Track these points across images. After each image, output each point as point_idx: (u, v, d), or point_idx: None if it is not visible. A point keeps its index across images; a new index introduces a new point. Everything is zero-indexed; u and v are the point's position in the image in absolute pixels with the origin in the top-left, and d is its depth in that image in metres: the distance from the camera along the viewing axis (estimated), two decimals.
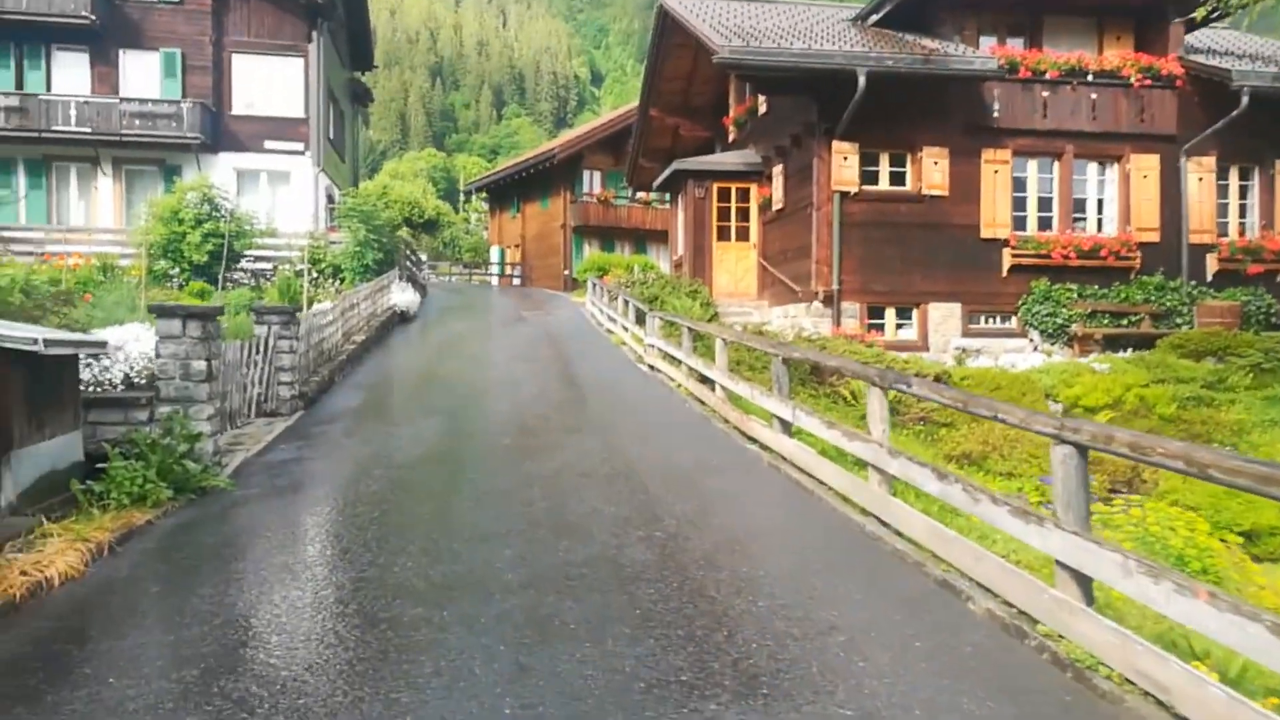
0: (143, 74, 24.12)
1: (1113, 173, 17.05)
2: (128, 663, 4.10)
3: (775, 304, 18.26)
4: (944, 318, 16.47)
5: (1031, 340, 16.57)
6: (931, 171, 16.19)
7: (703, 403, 11.61)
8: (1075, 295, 16.45)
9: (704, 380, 11.84)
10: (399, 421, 10.71)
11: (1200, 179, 16.82)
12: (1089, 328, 16.25)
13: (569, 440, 9.37)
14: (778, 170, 18.02)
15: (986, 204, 16.43)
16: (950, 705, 3.77)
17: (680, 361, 12.97)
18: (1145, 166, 16.75)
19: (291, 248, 21.40)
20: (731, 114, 21.37)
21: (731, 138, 21.48)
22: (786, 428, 8.62)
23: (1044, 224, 16.84)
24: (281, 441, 9.73)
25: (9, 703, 3.72)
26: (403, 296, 21.13)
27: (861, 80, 14.77)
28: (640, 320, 16.18)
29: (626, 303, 17.79)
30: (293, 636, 4.40)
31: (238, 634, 4.44)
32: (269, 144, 24.76)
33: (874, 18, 17.79)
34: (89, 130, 22.97)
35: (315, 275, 20.04)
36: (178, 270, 19.42)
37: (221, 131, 24.41)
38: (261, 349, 11.22)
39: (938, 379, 11.82)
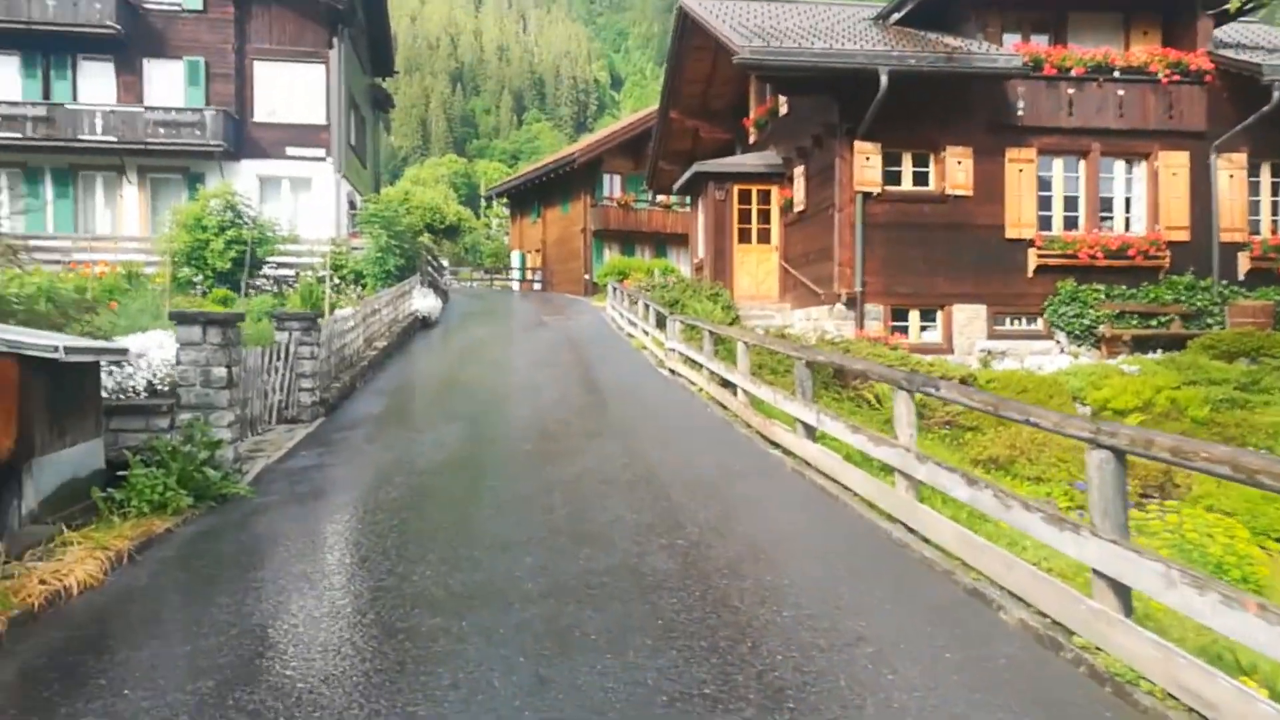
0: (167, 83, 24.33)
1: (1140, 171, 16.77)
2: (144, 674, 4.05)
3: (797, 307, 18.11)
4: (969, 320, 16.26)
5: (1058, 342, 16.33)
6: (955, 171, 16.00)
7: (724, 407, 11.50)
8: (1103, 296, 16.20)
9: (725, 384, 11.73)
10: (420, 427, 10.67)
11: (1231, 176, 16.51)
12: (1117, 329, 15.99)
13: (590, 446, 9.29)
14: (799, 171, 17.88)
15: (1011, 204, 16.21)
16: None
17: (701, 365, 12.86)
18: (1174, 164, 16.47)
19: (313, 254, 21.50)
20: (752, 115, 21.25)
21: (752, 139, 21.36)
22: (810, 432, 8.49)
23: (1070, 223, 16.60)
24: (302, 448, 9.71)
25: (24, 715, 3.67)
26: (424, 302, 21.15)
27: (884, 79, 14.62)
28: (661, 324, 16.08)
29: (647, 307, 17.71)
30: (309, 647, 4.34)
31: (255, 644, 4.39)
32: (291, 151, 24.91)
33: (895, 16, 17.61)
34: (114, 139, 23.19)
35: (337, 281, 20.10)
36: (201, 277, 19.54)
37: (244, 139, 24.58)
38: (282, 355, 11.22)
39: (963, 382, 11.64)
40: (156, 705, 3.73)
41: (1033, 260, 16.20)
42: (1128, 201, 16.87)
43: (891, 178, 16.05)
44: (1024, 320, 16.52)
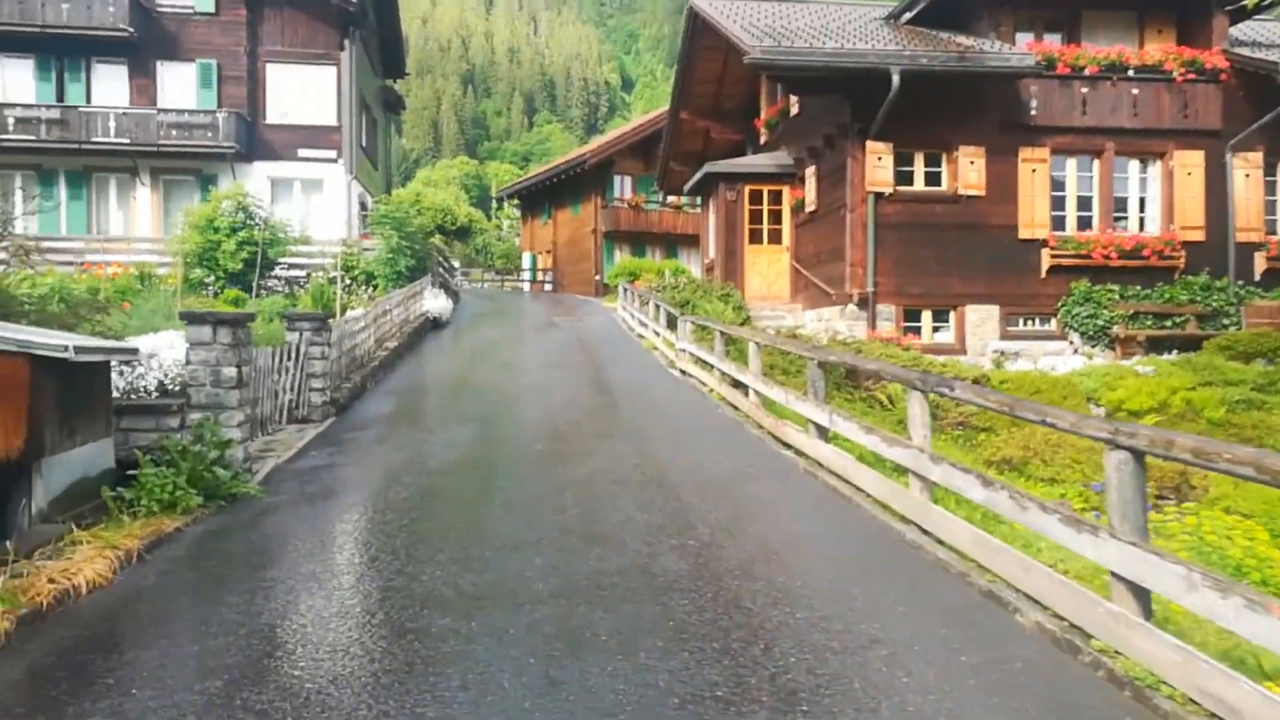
0: (179, 85, 24.46)
1: (1155, 170, 16.63)
2: (151, 674, 4.02)
3: (809, 307, 18.03)
4: (981, 320, 16.15)
5: (1071, 343, 16.19)
6: (968, 171, 15.90)
7: (735, 408, 11.44)
8: (1117, 296, 16.06)
9: (737, 385, 11.67)
10: (431, 428, 10.66)
11: (1247, 175, 16.35)
12: (1131, 329, 15.85)
13: (601, 446, 9.25)
14: (810, 172, 17.81)
15: (1024, 204, 16.09)
16: None
17: (712, 366, 12.80)
18: (1189, 163, 16.33)
19: (325, 255, 21.55)
20: (763, 116, 21.18)
21: (763, 140, 21.29)
22: (823, 433, 8.42)
23: (1084, 224, 16.47)
24: (313, 448, 9.70)
25: (31, 714, 3.65)
26: (435, 303, 21.17)
27: (895, 79, 14.54)
28: (672, 325, 16.04)
29: (658, 307, 17.66)
30: (318, 648, 4.31)
31: (263, 644, 4.36)
32: (302, 152, 24.99)
33: (907, 16, 17.53)
34: (128, 141, 23.33)
35: (348, 282, 20.13)
36: (213, 278, 19.60)
37: (256, 140, 24.67)
38: (293, 355, 11.22)
39: (976, 382, 11.55)
40: (164, 705, 3.70)
41: (1046, 261, 16.08)
42: (1142, 201, 16.72)
43: (903, 178, 15.96)
44: (1037, 321, 16.40)
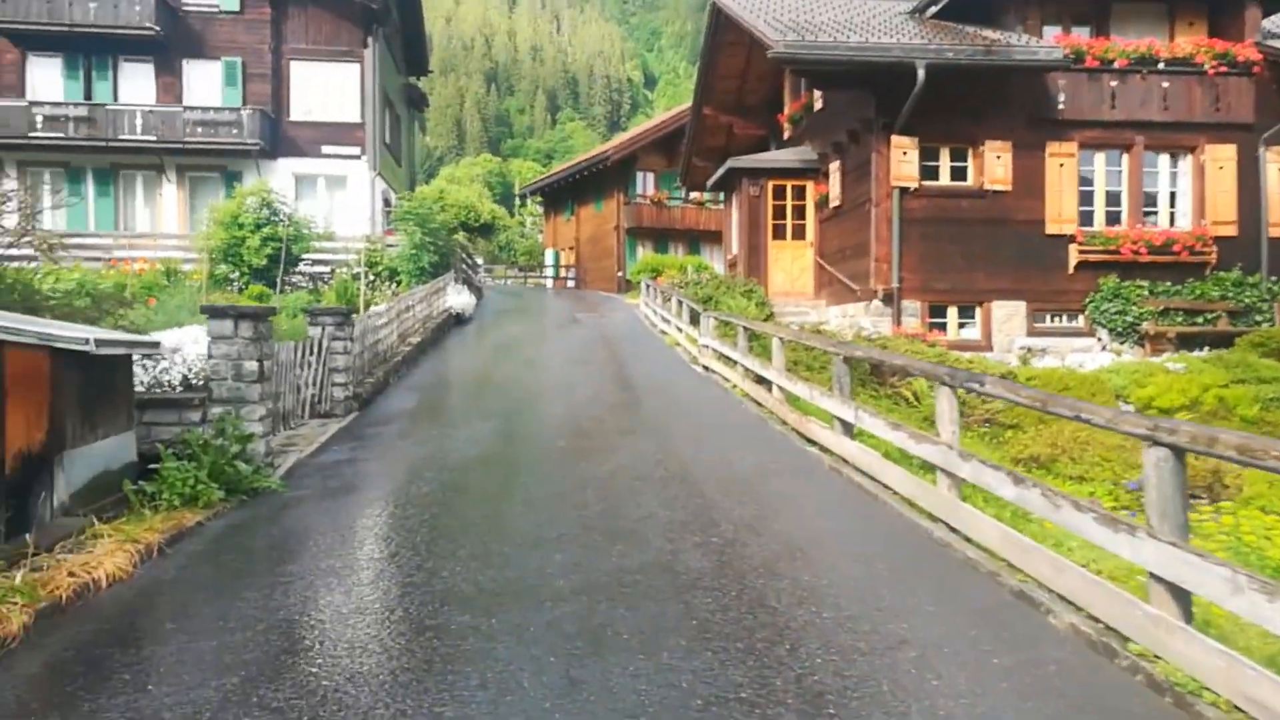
0: (205, 83, 24.62)
1: (1186, 164, 16.33)
2: (169, 669, 3.99)
3: (833, 303, 17.87)
4: (1008, 316, 15.93)
5: (1100, 339, 15.93)
6: (994, 166, 15.67)
7: (759, 404, 11.33)
8: (1146, 292, 15.79)
9: (760, 381, 11.56)
10: (453, 423, 10.62)
11: None
12: (1161, 326, 15.58)
13: (623, 442, 9.17)
14: (835, 167, 17.63)
15: (1052, 199, 15.85)
16: None
17: (735, 362, 12.69)
18: (1221, 157, 16.02)
19: (348, 251, 21.61)
20: (786, 111, 21.01)
21: (786, 135, 21.12)
22: (848, 429, 8.30)
23: (1112, 219, 16.19)
24: (335, 443, 9.69)
25: (46, 709, 3.62)
26: (458, 299, 21.18)
27: (921, 73, 14.35)
28: (694, 321, 15.94)
29: (680, 303, 17.56)
30: (336, 644, 4.25)
31: (281, 640, 4.31)
32: (326, 149, 25.08)
33: (932, 9, 17.29)
34: (154, 138, 23.50)
35: (372, 278, 20.16)
36: (238, 274, 19.68)
37: (280, 137, 24.77)
38: (315, 350, 11.22)
39: (1003, 379, 11.37)
40: (180, 702, 3.66)
41: (1074, 256, 15.83)
42: (1172, 196, 16.42)
43: (929, 173, 15.77)
44: (1064, 317, 16.15)
